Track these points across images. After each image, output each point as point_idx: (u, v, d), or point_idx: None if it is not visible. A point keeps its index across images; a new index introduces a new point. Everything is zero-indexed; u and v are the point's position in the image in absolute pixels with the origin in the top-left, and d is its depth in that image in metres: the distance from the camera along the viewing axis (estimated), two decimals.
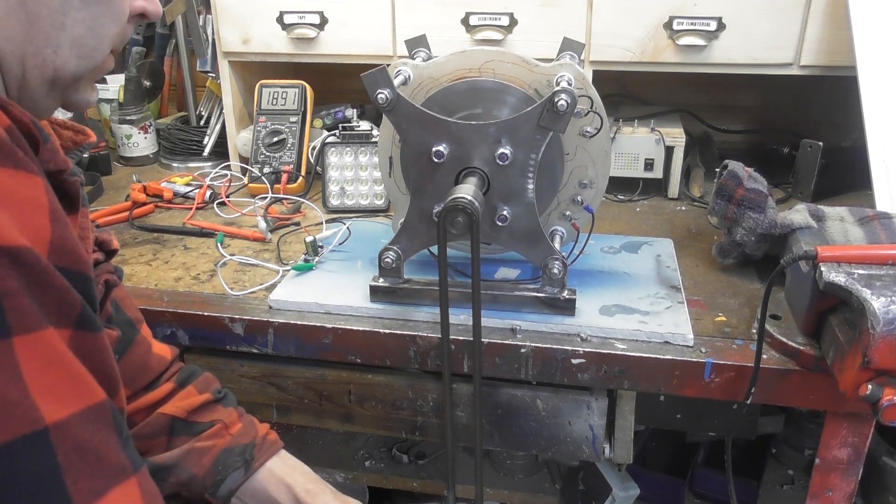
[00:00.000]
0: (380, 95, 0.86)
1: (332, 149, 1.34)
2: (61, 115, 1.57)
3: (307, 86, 1.45)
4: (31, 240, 0.44)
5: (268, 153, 1.42)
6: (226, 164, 1.51)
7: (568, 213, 0.99)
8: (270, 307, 0.99)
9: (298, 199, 1.35)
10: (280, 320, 0.96)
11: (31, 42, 0.55)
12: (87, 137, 0.68)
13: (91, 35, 0.58)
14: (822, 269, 0.76)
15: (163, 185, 1.42)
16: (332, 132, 1.37)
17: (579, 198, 0.98)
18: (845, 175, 1.31)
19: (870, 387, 0.71)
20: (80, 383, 0.46)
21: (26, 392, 0.42)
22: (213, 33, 1.49)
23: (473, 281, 0.83)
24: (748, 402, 0.84)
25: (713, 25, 1.25)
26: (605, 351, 0.88)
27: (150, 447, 0.80)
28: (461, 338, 0.91)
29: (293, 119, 1.44)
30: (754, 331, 0.90)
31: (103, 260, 0.71)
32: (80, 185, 0.61)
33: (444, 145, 0.88)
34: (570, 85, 0.87)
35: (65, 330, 0.46)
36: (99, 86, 1.74)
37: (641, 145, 1.37)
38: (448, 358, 0.90)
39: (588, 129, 0.93)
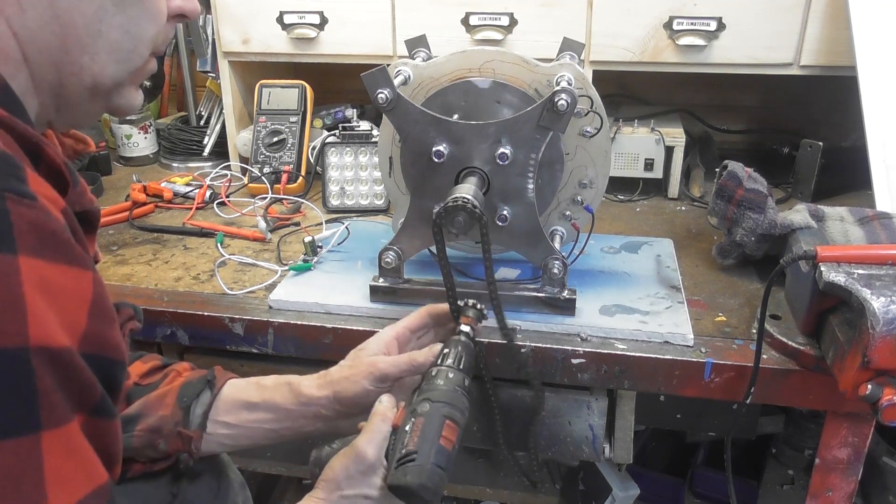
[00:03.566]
0: (380, 95, 0.86)
1: (332, 149, 1.34)
2: None
3: (307, 86, 1.45)
4: (69, 334, 0.46)
5: (268, 153, 1.42)
6: (226, 164, 1.50)
7: (568, 213, 0.99)
8: (270, 307, 0.99)
9: (298, 199, 1.34)
10: (280, 320, 0.96)
11: (67, 52, 0.54)
12: (88, 146, 0.68)
13: (128, 39, 0.57)
14: (822, 269, 0.76)
15: (163, 185, 1.42)
16: (332, 132, 1.37)
17: (579, 198, 0.98)
18: (845, 175, 1.31)
19: (869, 387, 0.71)
20: (90, 468, 0.47)
21: (41, 483, 0.43)
22: (213, 33, 1.49)
23: (487, 278, 0.83)
24: (748, 402, 0.84)
25: (713, 25, 1.25)
26: (605, 351, 0.88)
27: None
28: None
29: (293, 119, 1.44)
30: (754, 331, 0.90)
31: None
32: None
33: (444, 145, 0.88)
34: (570, 85, 0.87)
35: (80, 415, 0.47)
36: None
37: (641, 145, 1.37)
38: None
39: (588, 129, 0.93)
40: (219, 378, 0.83)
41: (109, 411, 0.50)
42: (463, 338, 0.79)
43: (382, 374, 0.78)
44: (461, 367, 0.76)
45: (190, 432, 0.79)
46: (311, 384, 0.81)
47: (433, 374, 0.75)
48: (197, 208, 1.34)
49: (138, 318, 0.69)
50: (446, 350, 0.78)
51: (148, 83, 1.66)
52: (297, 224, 1.27)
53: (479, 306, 0.82)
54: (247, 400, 0.81)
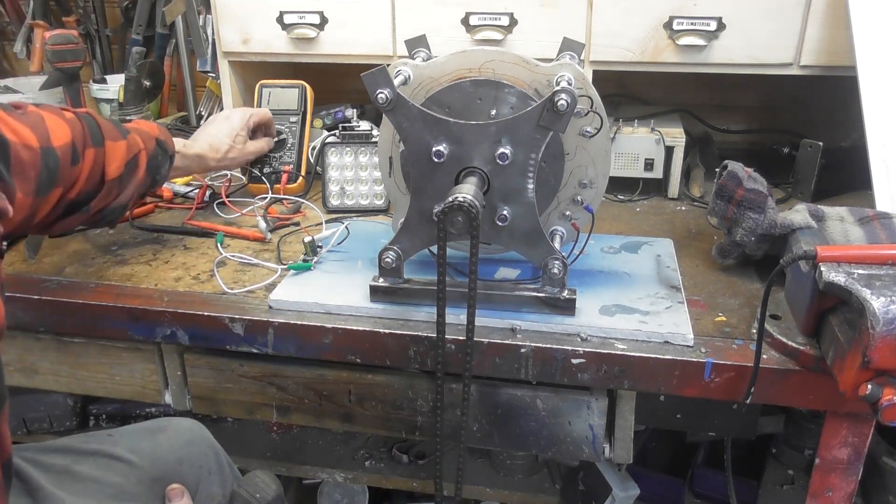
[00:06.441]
0: (380, 95, 0.86)
1: (332, 149, 1.34)
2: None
3: (307, 86, 1.45)
4: None
5: (268, 153, 1.42)
6: None
7: (568, 213, 0.99)
8: (270, 307, 0.99)
9: (298, 199, 1.35)
10: (280, 320, 0.96)
11: None
12: None
13: None
14: (822, 268, 0.76)
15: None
16: (332, 132, 1.37)
17: (579, 198, 0.98)
18: (845, 175, 1.31)
19: (869, 387, 0.71)
20: None
21: None
22: (213, 33, 1.49)
23: (470, 280, 0.83)
24: (748, 402, 0.84)
25: (713, 25, 1.25)
26: (605, 351, 0.88)
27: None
28: (461, 338, 0.91)
29: (293, 119, 1.44)
30: (754, 331, 0.90)
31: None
32: None
33: (444, 145, 0.88)
34: (570, 85, 0.87)
35: None
36: (99, 86, 1.75)
37: (641, 145, 1.37)
38: (442, 356, 0.90)
39: (588, 129, 0.93)
40: (169, 146, 1.10)
41: None
42: None
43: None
44: None
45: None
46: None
47: None
48: (197, 208, 1.34)
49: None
50: None
51: (148, 83, 1.66)
52: (297, 224, 1.27)
53: None
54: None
